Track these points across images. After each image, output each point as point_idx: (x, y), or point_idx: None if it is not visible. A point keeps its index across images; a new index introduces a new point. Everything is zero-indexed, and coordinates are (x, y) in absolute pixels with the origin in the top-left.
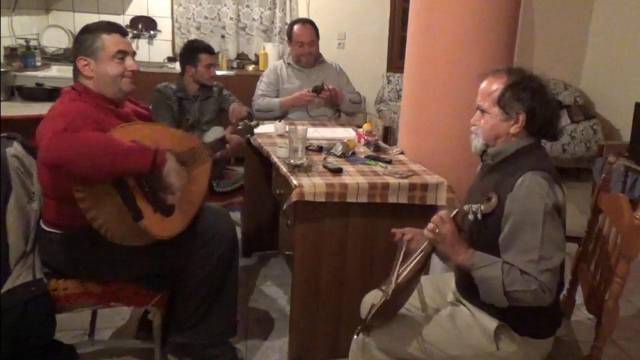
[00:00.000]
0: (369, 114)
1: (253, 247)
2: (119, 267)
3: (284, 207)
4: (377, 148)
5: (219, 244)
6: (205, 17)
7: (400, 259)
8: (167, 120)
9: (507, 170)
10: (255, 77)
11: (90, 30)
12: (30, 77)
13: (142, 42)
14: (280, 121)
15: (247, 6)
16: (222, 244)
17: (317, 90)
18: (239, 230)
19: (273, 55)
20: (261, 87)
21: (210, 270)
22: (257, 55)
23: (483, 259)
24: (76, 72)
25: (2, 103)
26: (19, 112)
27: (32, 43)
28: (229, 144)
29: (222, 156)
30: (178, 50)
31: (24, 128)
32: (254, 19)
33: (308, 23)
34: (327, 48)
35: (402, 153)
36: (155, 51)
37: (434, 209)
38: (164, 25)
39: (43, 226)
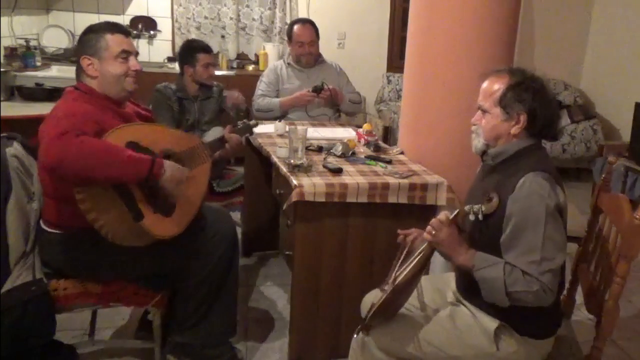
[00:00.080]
0: (369, 114)
1: (253, 247)
2: (119, 267)
3: (284, 207)
4: (377, 148)
5: (219, 243)
6: (205, 17)
7: (401, 259)
8: (167, 120)
9: (508, 171)
10: (255, 77)
11: (94, 30)
12: (30, 77)
13: (142, 42)
14: (280, 121)
15: (247, 6)
16: (223, 243)
17: (317, 90)
18: (239, 230)
19: (273, 55)
20: (261, 87)
21: (210, 270)
22: (257, 55)
23: (484, 260)
24: (80, 71)
25: (2, 103)
26: (19, 112)
27: (32, 43)
28: (229, 144)
29: (222, 156)
30: (178, 50)
31: (24, 128)
32: (254, 19)
33: (308, 23)
34: (327, 48)
35: (402, 153)
36: (155, 51)
37: (434, 209)
38: (164, 25)
39: (43, 226)
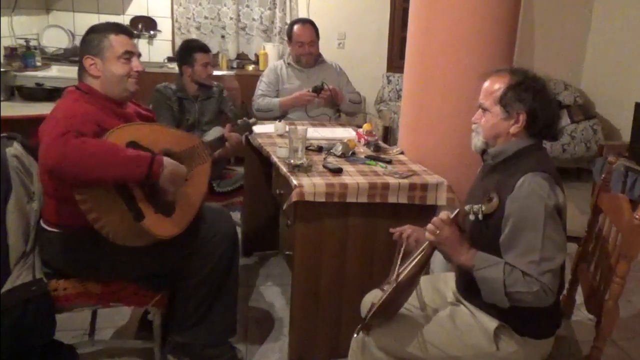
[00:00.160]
0: (369, 114)
1: (253, 247)
2: (120, 267)
3: (284, 207)
4: (377, 148)
5: (220, 243)
6: (205, 17)
7: (400, 257)
8: (167, 120)
9: (508, 171)
10: (255, 77)
11: (97, 30)
12: (30, 77)
13: (142, 42)
14: (280, 121)
15: (247, 6)
16: (223, 243)
17: (317, 90)
18: (239, 230)
19: (273, 55)
20: (261, 87)
21: (210, 270)
22: (257, 55)
23: (484, 260)
24: (82, 71)
25: (2, 103)
26: (19, 112)
27: (32, 43)
28: (228, 142)
29: (222, 155)
30: (176, 50)
31: (24, 128)
32: (254, 19)
33: (308, 23)
34: (327, 48)
35: (402, 153)
36: (155, 51)
37: (434, 209)
38: (164, 25)
39: (43, 225)
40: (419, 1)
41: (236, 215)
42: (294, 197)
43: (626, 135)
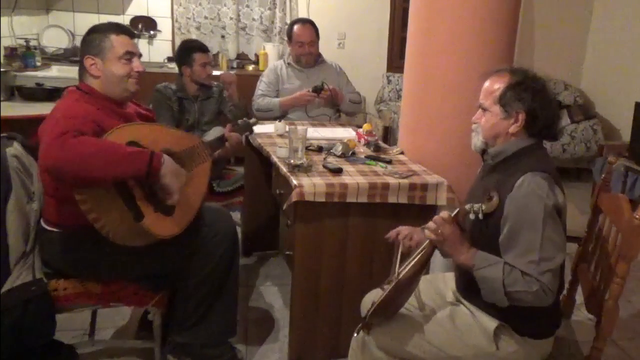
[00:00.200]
0: (369, 114)
1: (253, 247)
2: (120, 267)
3: (284, 207)
4: (377, 148)
5: (220, 243)
6: (205, 17)
7: (399, 258)
8: (167, 120)
9: (508, 171)
10: (255, 77)
11: (98, 30)
12: (30, 77)
13: (142, 42)
14: (280, 121)
15: (247, 6)
16: (223, 243)
17: (317, 90)
18: (239, 230)
19: (273, 55)
20: (261, 87)
21: (210, 270)
22: (257, 55)
23: (484, 259)
24: (82, 71)
25: (2, 103)
26: (19, 112)
27: (32, 43)
28: (229, 142)
29: (222, 155)
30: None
31: (24, 128)
32: (254, 19)
33: (308, 23)
34: (327, 48)
35: (402, 153)
36: (155, 51)
37: (434, 209)
38: (164, 25)
39: (43, 225)
40: (419, 1)
41: (236, 215)
42: (294, 197)
43: (626, 135)
